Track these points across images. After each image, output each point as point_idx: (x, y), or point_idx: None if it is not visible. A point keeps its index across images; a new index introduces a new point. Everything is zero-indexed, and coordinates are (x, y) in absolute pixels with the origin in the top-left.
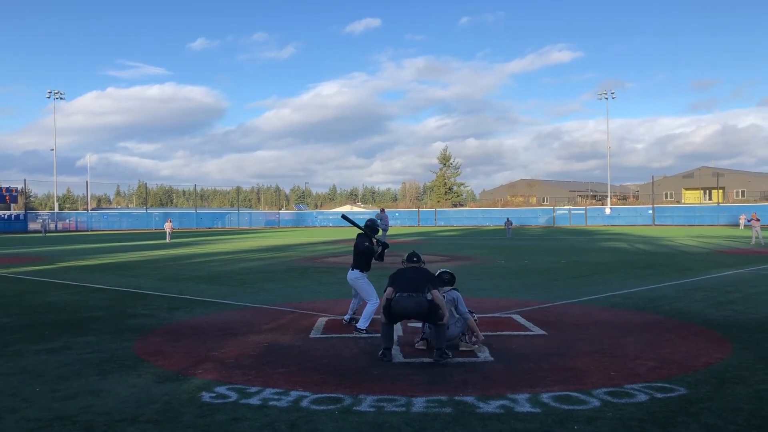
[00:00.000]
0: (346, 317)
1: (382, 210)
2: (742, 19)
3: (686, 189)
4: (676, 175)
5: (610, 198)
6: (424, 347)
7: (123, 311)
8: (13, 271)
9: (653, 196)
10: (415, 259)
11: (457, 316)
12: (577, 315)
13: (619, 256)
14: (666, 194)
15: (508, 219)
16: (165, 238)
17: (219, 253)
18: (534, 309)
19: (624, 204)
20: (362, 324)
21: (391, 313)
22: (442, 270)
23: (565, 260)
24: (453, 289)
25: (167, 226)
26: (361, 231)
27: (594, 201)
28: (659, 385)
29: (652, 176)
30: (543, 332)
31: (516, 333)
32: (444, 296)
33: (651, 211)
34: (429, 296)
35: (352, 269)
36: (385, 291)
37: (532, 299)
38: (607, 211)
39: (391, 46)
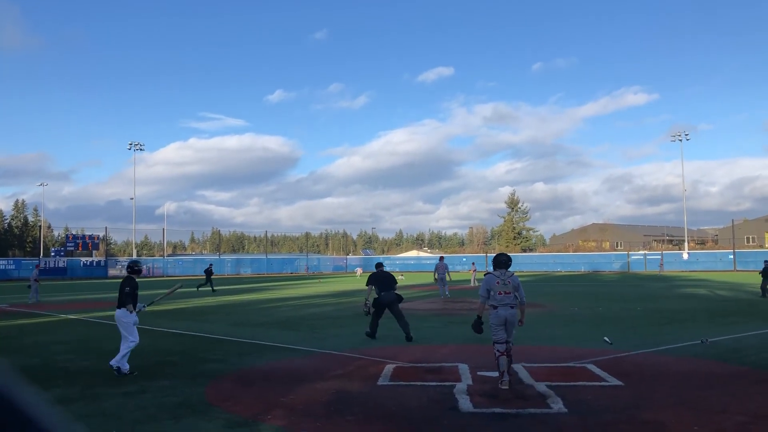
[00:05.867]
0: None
1: (441, 258)
2: None
3: None
4: (758, 218)
5: (687, 242)
6: (507, 387)
7: (196, 356)
8: (93, 315)
9: (734, 240)
10: (383, 267)
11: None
12: (655, 365)
13: (699, 303)
14: (747, 238)
15: (473, 264)
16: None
17: (288, 298)
18: (610, 358)
19: (702, 249)
20: None
21: (380, 302)
22: (499, 253)
23: (641, 307)
24: (514, 273)
25: (359, 270)
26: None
27: (670, 246)
28: None
29: (732, 219)
30: (620, 383)
31: (591, 383)
32: (509, 282)
33: (732, 256)
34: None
35: None
36: (369, 288)
37: (608, 348)
38: (685, 256)
39: (463, 93)
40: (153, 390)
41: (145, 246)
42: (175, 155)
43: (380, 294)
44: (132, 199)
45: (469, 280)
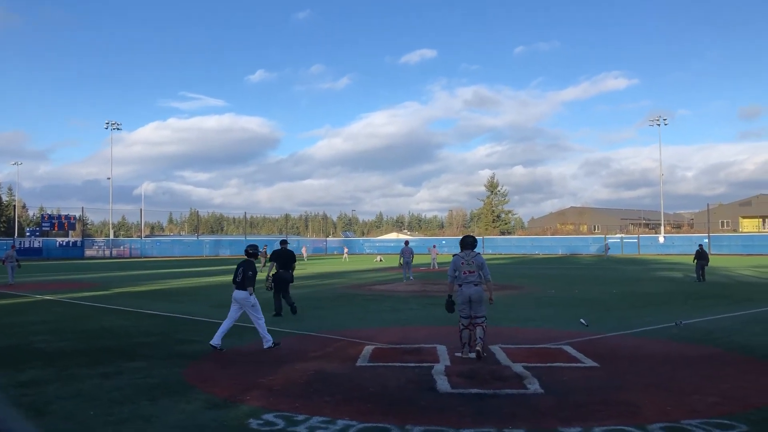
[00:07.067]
0: None
1: (406, 242)
2: None
3: (743, 217)
4: (732, 202)
5: (664, 226)
6: (473, 356)
7: (174, 337)
8: (69, 296)
9: (709, 224)
10: (286, 242)
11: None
12: (630, 347)
13: (674, 287)
14: (722, 222)
15: (434, 246)
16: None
17: None
18: (586, 340)
19: (678, 232)
20: None
21: (279, 279)
22: (466, 235)
23: (617, 290)
24: (479, 253)
25: (345, 252)
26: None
27: (647, 229)
28: (719, 421)
29: (707, 204)
30: (595, 364)
31: (567, 365)
32: (473, 261)
33: (707, 240)
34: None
35: None
36: (270, 264)
37: (584, 330)
38: (661, 239)
39: (445, 76)
40: (130, 371)
41: (122, 227)
42: (153, 135)
43: (279, 271)
44: (109, 179)
45: (429, 264)
